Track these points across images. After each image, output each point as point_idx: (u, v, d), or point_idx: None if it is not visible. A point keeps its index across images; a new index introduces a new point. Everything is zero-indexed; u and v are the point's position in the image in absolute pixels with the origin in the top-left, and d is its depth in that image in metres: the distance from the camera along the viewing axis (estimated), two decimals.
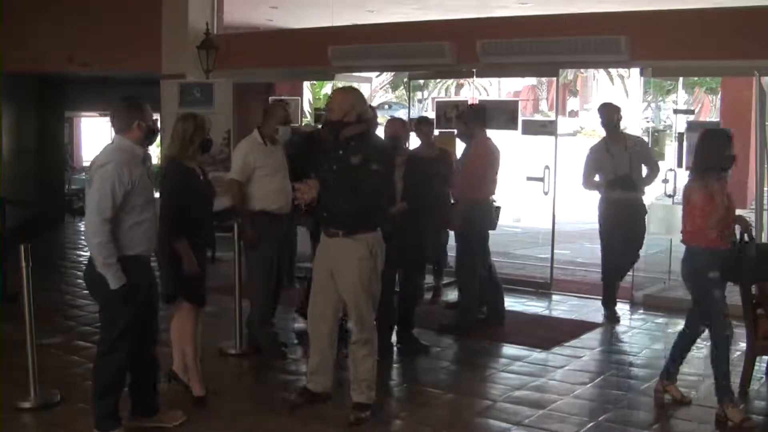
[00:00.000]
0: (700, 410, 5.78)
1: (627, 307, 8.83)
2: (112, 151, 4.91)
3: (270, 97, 12.76)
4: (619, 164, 8.05)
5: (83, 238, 13.62)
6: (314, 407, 5.67)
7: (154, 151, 8.88)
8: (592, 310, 8.73)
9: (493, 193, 7.80)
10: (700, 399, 5.96)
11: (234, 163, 6.72)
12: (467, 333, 7.57)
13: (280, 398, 5.90)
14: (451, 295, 8.86)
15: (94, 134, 18.54)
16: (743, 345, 6.37)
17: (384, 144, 5.91)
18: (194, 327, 5.76)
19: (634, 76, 22.58)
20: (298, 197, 5.48)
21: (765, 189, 8.44)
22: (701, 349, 6.62)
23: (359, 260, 5.35)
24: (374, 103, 19.16)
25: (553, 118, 12.15)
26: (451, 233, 8.20)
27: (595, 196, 8.48)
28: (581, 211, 11.10)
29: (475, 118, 7.88)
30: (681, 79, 16.10)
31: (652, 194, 9.77)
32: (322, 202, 5.38)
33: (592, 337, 7.64)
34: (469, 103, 10.65)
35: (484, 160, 7.67)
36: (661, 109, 28.97)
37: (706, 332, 5.73)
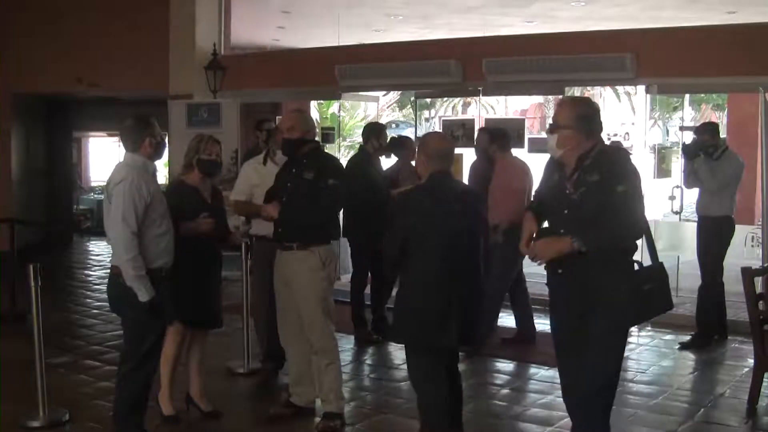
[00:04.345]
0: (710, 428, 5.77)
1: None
2: (126, 168, 4.95)
3: (278, 117, 12.82)
4: None
5: (91, 257, 13.68)
6: (299, 420, 5.75)
7: (162, 170, 8.94)
8: None
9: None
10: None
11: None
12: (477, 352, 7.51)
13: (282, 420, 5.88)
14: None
15: (102, 154, 18.68)
16: (751, 361, 6.35)
17: (335, 159, 6.02)
18: (176, 350, 5.74)
19: (640, 93, 22.63)
20: (270, 214, 5.57)
21: None
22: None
23: (312, 271, 5.51)
24: (382, 122, 19.18)
25: None
26: None
27: None
28: None
29: (498, 138, 7.83)
30: (687, 96, 16.18)
31: (659, 212, 9.80)
32: (278, 217, 5.56)
33: None
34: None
35: (519, 180, 7.61)
36: (667, 127, 28.97)
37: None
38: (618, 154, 4.34)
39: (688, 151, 7.88)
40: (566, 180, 4.24)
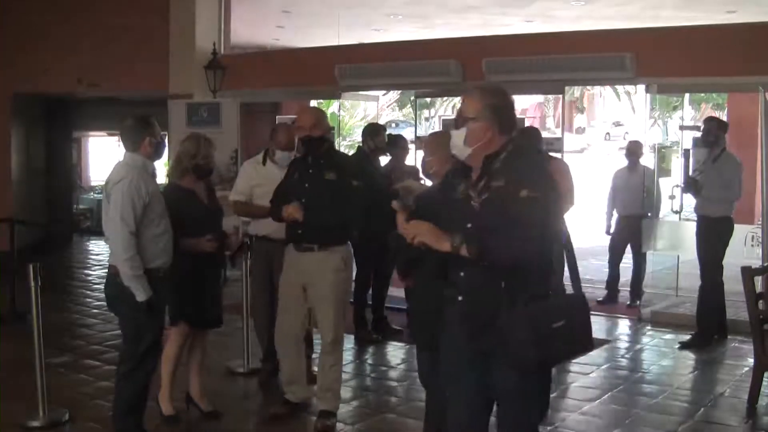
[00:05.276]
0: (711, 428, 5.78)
1: (635, 323, 8.85)
2: (125, 167, 4.94)
3: (276, 117, 12.83)
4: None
5: (91, 257, 13.68)
6: (297, 420, 5.76)
7: (161, 170, 8.93)
8: (599, 326, 8.72)
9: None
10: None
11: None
12: None
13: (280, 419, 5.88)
14: None
15: (102, 154, 18.66)
16: (751, 361, 6.36)
17: (352, 159, 5.98)
18: (178, 350, 5.73)
19: (640, 92, 22.63)
20: (293, 216, 5.45)
21: None
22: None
23: (335, 272, 5.49)
24: (381, 121, 19.18)
25: (559, 135, 12.18)
26: None
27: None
28: (588, 228, 11.09)
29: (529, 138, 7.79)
30: (687, 95, 16.16)
31: (660, 211, 9.78)
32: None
33: (600, 354, 7.62)
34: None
35: (567, 179, 7.35)
36: (667, 126, 28.94)
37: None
38: (532, 156, 3.59)
39: (689, 189, 7.97)
40: (471, 188, 3.50)
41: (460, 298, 3.50)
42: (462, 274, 3.46)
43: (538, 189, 3.33)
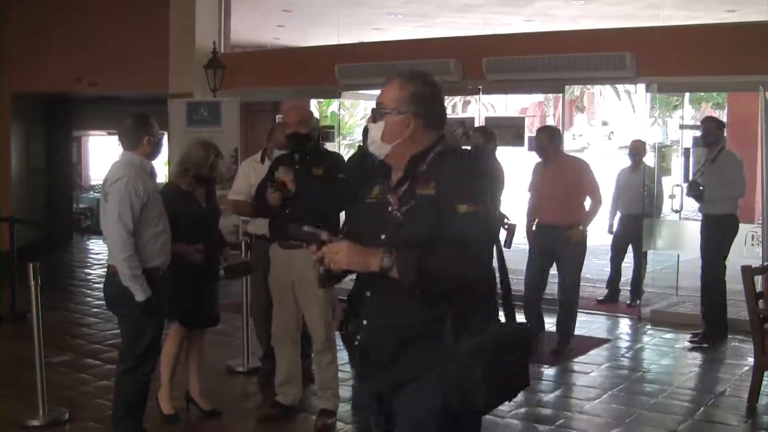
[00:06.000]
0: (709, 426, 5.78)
1: (635, 322, 8.85)
2: (123, 166, 4.92)
3: (277, 116, 12.82)
4: None
5: (91, 256, 13.68)
6: (294, 420, 5.76)
7: (161, 169, 8.93)
8: (600, 325, 8.72)
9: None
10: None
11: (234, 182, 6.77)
12: None
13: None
14: None
15: (102, 153, 18.67)
16: (751, 360, 6.35)
17: (337, 154, 5.96)
18: (177, 349, 5.74)
19: (640, 91, 22.62)
20: (287, 184, 5.37)
21: None
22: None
23: None
24: None
25: None
26: None
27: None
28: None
29: (559, 137, 7.75)
30: (687, 94, 16.15)
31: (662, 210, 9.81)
32: (287, 215, 5.38)
33: (600, 353, 7.62)
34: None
35: (590, 175, 7.60)
36: (667, 125, 28.89)
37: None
38: (464, 158, 2.99)
39: (692, 194, 7.98)
40: (390, 192, 2.95)
41: (365, 322, 2.93)
42: (368, 294, 2.94)
43: (476, 201, 2.80)
